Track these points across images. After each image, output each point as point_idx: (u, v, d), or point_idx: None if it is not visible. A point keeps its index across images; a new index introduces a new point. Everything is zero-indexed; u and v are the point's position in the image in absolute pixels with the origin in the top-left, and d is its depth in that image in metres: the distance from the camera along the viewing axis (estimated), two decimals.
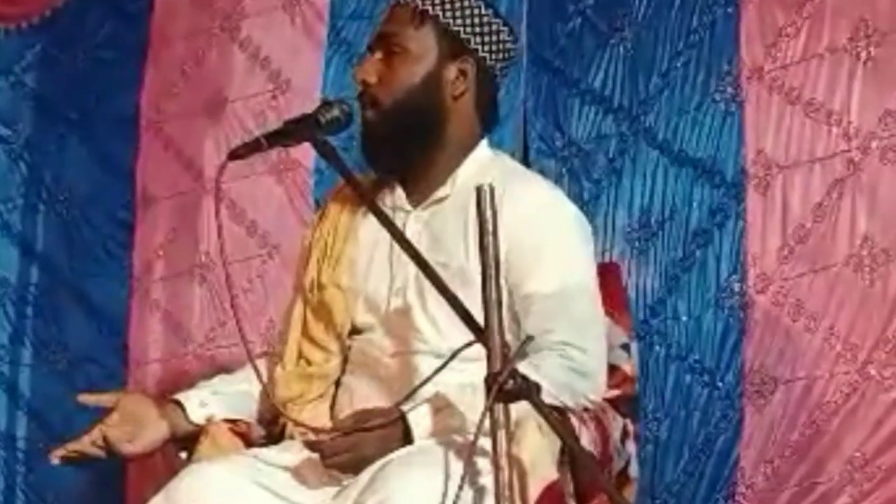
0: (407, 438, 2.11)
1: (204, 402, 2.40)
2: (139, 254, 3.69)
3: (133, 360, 3.64)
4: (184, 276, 3.60)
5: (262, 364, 2.45)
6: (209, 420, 2.39)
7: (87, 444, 2.32)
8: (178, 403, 2.39)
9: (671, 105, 3.10)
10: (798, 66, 2.97)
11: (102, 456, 2.34)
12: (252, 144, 2.24)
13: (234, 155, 2.24)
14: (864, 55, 2.91)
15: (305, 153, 3.41)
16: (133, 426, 2.33)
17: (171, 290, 3.63)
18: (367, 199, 2.21)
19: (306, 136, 2.24)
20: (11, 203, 3.87)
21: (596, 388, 2.22)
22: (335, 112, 2.27)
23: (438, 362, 2.16)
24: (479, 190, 1.95)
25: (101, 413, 2.36)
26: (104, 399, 2.36)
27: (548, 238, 2.21)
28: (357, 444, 2.09)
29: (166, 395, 2.47)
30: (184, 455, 2.41)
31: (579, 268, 2.30)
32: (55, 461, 2.34)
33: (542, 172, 3.07)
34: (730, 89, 3.04)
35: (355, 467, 2.10)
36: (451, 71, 2.35)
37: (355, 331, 2.38)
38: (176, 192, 3.65)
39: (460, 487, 1.93)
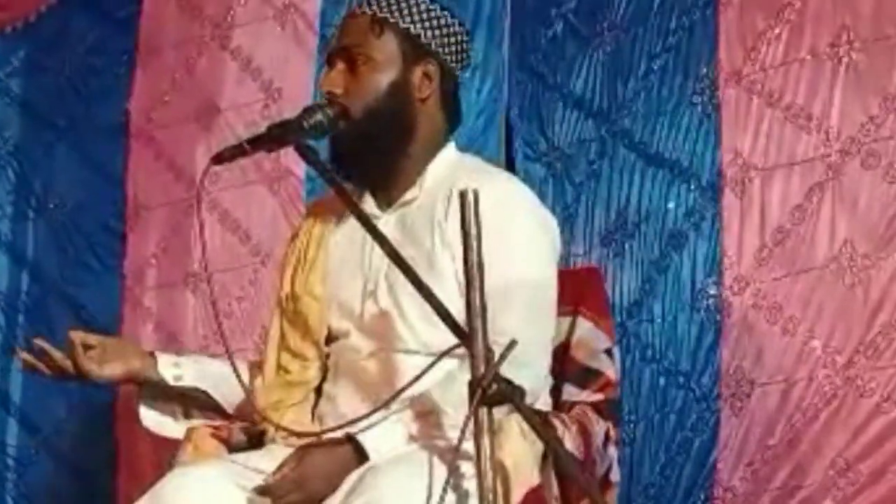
0: (363, 461, 2.13)
1: (178, 364, 2.46)
2: (131, 262, 3.70)
3: None
4: (177, 284, 3.61)
5: (246, 375, 2.48)
6: (176, 378, 2.44)
7: (57, 354, 2.39)
8: (152, 355, 2.47)
9: (648, 107, 3.10)
10: (778, 70, 2.97)
11: (69, 369, 2.39)
12: (236, 149, 2.26)
13: (217, 159, 2.26)
14: (845, 60, 2.91)
15: (297, 162, 3.42)
16: (105, 357, 2.39)
17: (164, 298, 3.63)
18: (349, 203, 2.23)
19: (290, 141, 2.26)
20: (0, 211, 3.88)
21: (535, 379, 2.21)
22: (318, 116, 2.30)
23: (413, 359, 2.22)
24: (462, 195, 1.96)
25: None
26: (91, 338, 2.42)
27: (504, 231, 2.21)
28: (304, 481, 2.12)
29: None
30: (143, 413, 2.46)
31: (533, 261, 2.31)
32: (19, 361, 2.42)
33: (528, 177, 3.10)
34: (707, 92, 3.05)
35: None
36: (417, 75, 2.37)
37: (332, 338, 2.41)
38: (167, 200, 3.66)
39: (444, 492, 1.93)
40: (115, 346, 2.44)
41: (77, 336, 2.41)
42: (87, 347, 2.40)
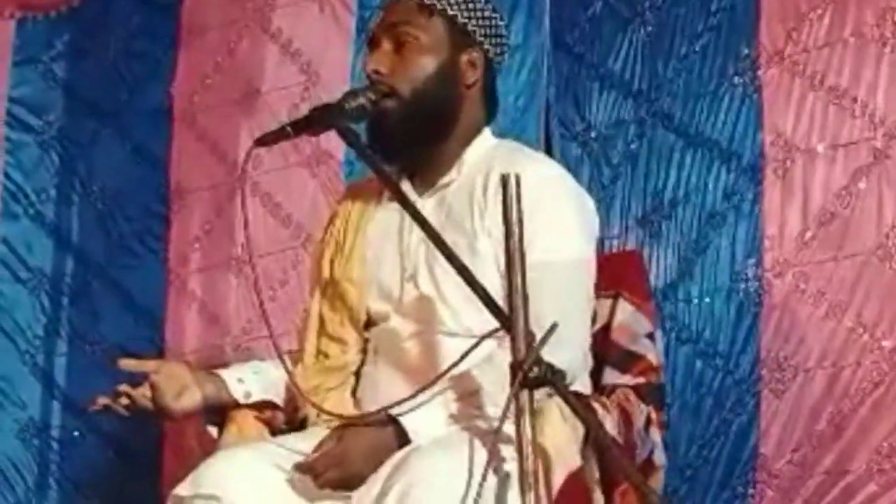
0: (404, 443, 2.13)
1: (242, 380, 2.44)
2: (175, 246, 3.71)
3: (169, 351, 3.66)
4: (220, 267, 3.62)
5: (287, 360, 2.48)
6: (246, 396, 2.43)
7: (136, 392, 2.36)
8: (218, 376, 2.43)
9: (689, 88, 3.08)
10: (821, 51, 2.95)
11: (149, 407, 2.37)
12: (278, 132, 2.27)
13: (260, 142, 2.27)
14: (891, 42, 2.88)
15: (337, 145, 3.42)
16: (177, 387, 2.37)
17: (208, 281, 3.65)
18: (391, 186, 2.24)
19: (331, 124, 2.26)
20: (45, 194, 3.89)
21: (572, 359, 2.18)
22: (360, 100, 2.31)
23: (454, 341, 2.23)
24: (503, 178, 1.97)
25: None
26: (148, 365, 2.40)
27: (539, 211, 2.19)
28: (344, 459, 2.11)
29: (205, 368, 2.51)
30: (213, 431, 2.44)
31: (568, 240, 2.30)
32: (98, 406, 2.38)
33: (564, 157, 3.09)
34: (749, 72, 3.02)
35: (348, 484, 2.12)
36: (463, 61, 2.38)
37: (371, 322, 2.41)
38: (211, 183, 3.67)
39: (484, 474, 1.94)
40: (175, 369, 2.41)
41: (130, 364, 2.39)
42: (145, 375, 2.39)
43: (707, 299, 2.97)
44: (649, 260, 3.02)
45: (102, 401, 2.38)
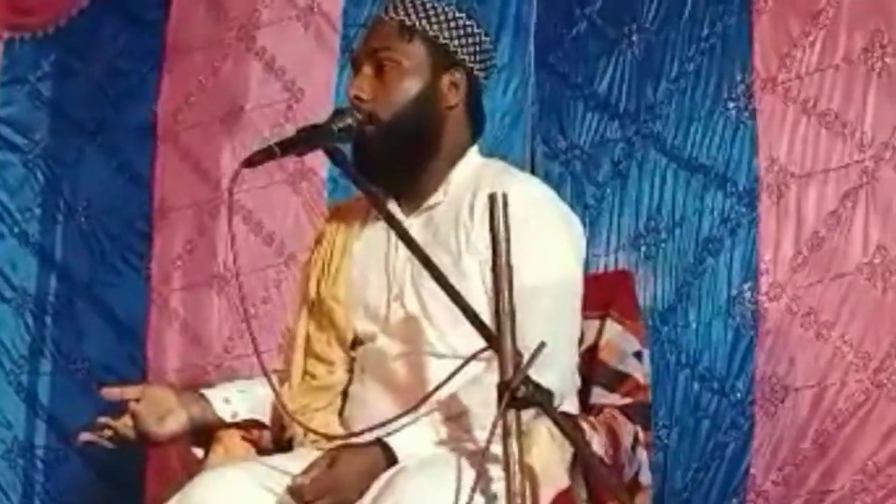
0: (392, 464, 2.12)
1: (228, 399, 2.42)
2: (158, 264, 3.71)
3: (152, 369, 3.66)
4: (202, 286, 3.62)
5: (273, 379, 2.47)
6: (233, 416, 2.41)
7: (118, 422, 2.34)
8: (203, 397, 2.42)
9: (681, 111, 3.10)
10: (813, 76, 2.96)
11: (131, 437, 2.35)
12: (265, 152, 2.24)
13: (247, 163, 2.25)
14: (878, 66, 2.90)
15: (320, 162, 3.43)
16: (160, 412, 2.35)
17: (190, 300, 3.65)
18: (379, 207, 2.23)
19: (319, 145, 2.26)
20: (29, 213, 3.90)
21: (560, 379, 2.16)
22: (348, 120, 2.30)
23: (441, 361, 2.23)
24: (491, 198, 1.96)
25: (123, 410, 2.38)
26: (131, 392, 2.37)
27: (526, 231, 2.18)
28: (336, 485, 2.09)
29: (190, 389, 2.50)
30: (199, 452, 2.43)
31: (556, 261, 2.30)
32: (81, 443, 2.36)
33: (546, 175, 3.10)
34: (742, 98, 3.04)
35: None
36: (444, 83, 2.36)
37: (358, 342, 2.40)
38: (193, 202, 3.67)
39: (472, 494, 1.93)
40: (157, 393, 2.38)
41: (113, 392, 2.36)
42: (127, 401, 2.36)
43: (705, 323, 2.99)
44: (644, 282, 3.03)
45: (85, 438, 2.36)
